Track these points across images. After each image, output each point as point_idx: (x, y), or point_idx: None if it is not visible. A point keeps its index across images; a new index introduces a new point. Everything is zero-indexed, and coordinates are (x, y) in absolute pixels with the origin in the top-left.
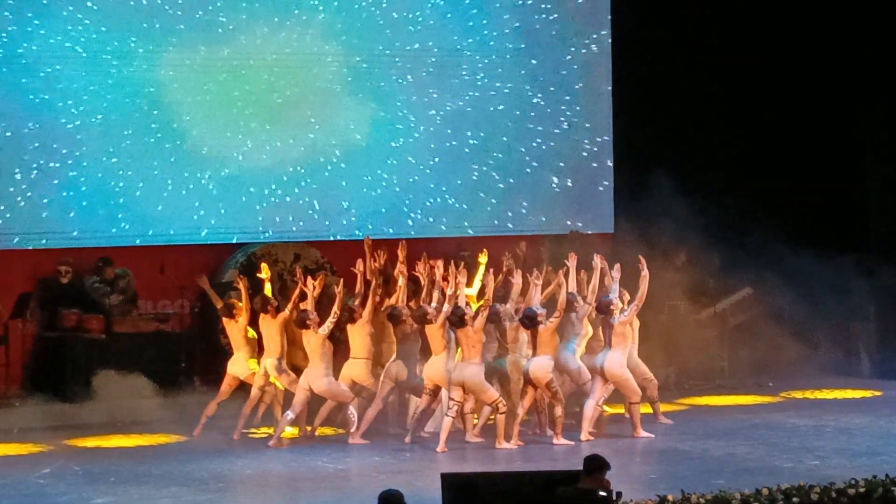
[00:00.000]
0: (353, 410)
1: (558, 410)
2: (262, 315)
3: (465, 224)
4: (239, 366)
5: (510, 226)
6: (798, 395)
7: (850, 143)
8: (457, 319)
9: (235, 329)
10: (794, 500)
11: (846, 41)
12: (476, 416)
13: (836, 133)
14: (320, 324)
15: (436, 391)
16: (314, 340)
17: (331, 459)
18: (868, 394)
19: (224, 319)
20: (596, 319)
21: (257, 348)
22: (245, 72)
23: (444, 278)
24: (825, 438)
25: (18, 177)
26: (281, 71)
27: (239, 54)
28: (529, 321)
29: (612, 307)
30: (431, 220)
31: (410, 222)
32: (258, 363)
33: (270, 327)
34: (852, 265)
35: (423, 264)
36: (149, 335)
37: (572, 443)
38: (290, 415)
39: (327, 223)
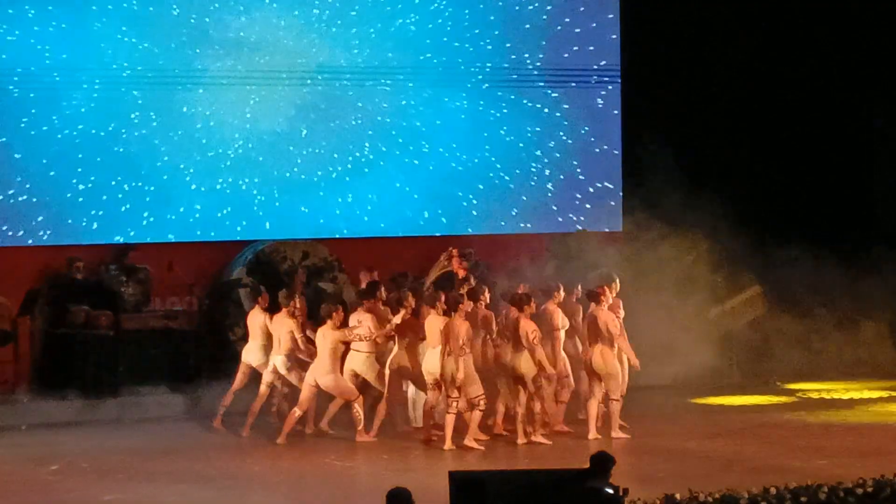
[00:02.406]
0: (358, 409)
1: (537, 407)
2: (283, 311)
3: (472, 223)
4: (253, 354)
5: (513, 225)
6: (806, 393)
7: (860, 140)
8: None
9: (260, 318)
10: (803, 499)
11: (856, 34)
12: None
13: (844, 130)
14: (341, 326)
15: (439, 384)
16: (330, 336)
17: (339, 457)
18: (877, 393)
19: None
20: (584, 314)
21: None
22: (261, 72)
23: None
24: (833, 437)
25: (30, 174)
26: (295, 72)
27: (256, 53)
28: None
29: (601, 298)
30: (439, 219)
31: (421, 221)
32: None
33: (284, 325)
34: (862, 263)
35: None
36: (157, 332)
37: (550, 442)
38: (297, 412)
39: (336, 220)
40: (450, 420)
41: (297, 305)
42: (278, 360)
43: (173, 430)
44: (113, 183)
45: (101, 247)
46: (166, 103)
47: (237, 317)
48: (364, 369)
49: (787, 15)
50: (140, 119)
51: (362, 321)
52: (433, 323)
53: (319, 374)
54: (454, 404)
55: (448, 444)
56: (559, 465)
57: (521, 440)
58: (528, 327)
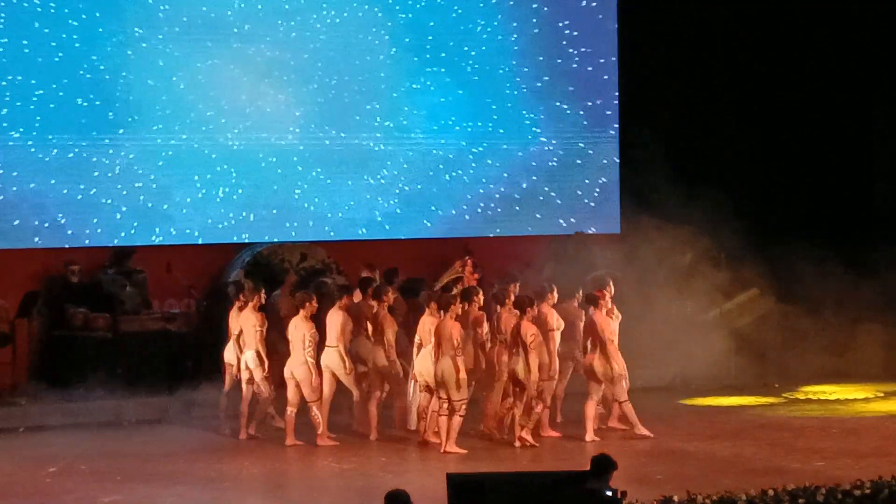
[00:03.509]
0: (317, 412)
1: (539, 408)
2: (248, 306)
3: (472, 225)
4: (232, 353)
5: (515, 226)
6: (804, 395)
7: (859, 142)
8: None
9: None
10: (801, 500)
11: (856, 34)
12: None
13: (844, 131)
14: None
15: (429, 386)
16: (301, 327)
17: (336, 459)
18: (874, 394)
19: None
20: (581, 317)
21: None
22: (257, 73)
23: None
24: (831, 439)
25: (25, 175)
26: (293, 73)
27: (256, 56)
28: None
29: (600, 302)
30: (438, 221)
31: (417, 224)
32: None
33: (249, 321)
34: (861, 264)
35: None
36: (155, 334)
37: (537, 444)
38: (289, 409)
39: (333, 223)
40: (443, 422)
41: (263, 301)
42: (248, 355)
43: (171, 432)
44: (99, 184)
45: (99, 249)
46: (162, 102)
47: None
48: (336, 364)
49: (787, 15)
50: (136, 118)
51: (331, 322)
52: (425, 323)
53: (294, 364)
54: (444, 405)
55: (445, 447)
56: (558, 467)
57: (518, 443)
58: (529, 330)
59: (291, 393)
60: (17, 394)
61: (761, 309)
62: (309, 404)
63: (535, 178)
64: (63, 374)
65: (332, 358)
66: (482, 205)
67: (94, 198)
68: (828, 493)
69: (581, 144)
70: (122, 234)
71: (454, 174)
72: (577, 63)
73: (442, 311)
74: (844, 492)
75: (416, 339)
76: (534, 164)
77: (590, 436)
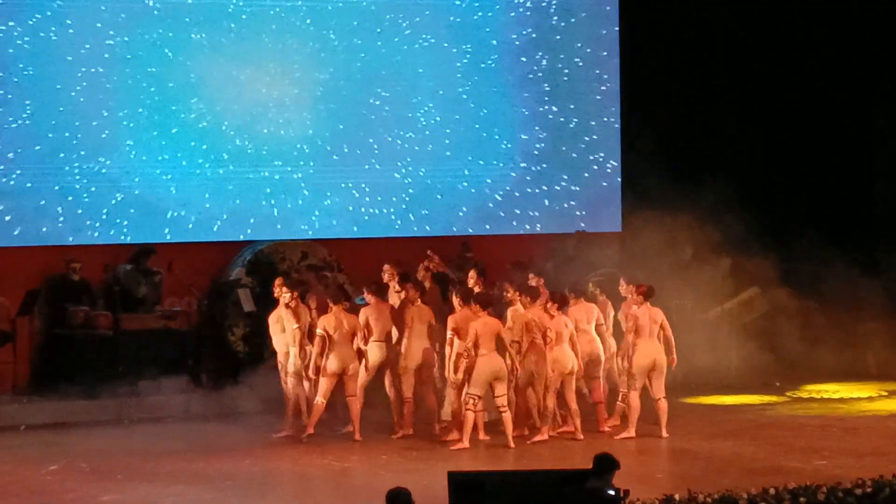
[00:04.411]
0: (358, 408)
1: (573, 404)
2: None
3: (471, 224)
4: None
5: (516, 224)
6: (805, 394)
7: (859, 142)
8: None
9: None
10: (801, 499)
11: (856, 34)
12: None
13: (844, 131)
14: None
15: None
16: (346, 320)
17: (338, 457)
18: (875, 393)
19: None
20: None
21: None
22: (259, 70)
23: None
24: (832, 438)
25: (24, 174)
26: (290, 74)
27: (254, 55)
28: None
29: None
30: (438, 219)
31: (418, 222)
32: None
33: (292, 320)
34: (861, 264)
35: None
36: (156, 332)
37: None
38: (320, 400)
39: (332, 221)
40: (469, 417)
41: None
42: (292, 352)
43: (172, 430)
44: (99, 184)
45: (99, 248)
46: (162, 100)
47: (236, 317)
48: (379, 359)
49: (787, 15)
50: (136, 117)
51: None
52: (465, 321)
53: (347, 360)
54: (471, 402)
55: (465, 442)
56: (560, 465)
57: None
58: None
59: (327, 386)
60: (17, 392)
61: (762, 307)
62: (349, 399)
63: (535, 176)
64: (64, 373)
65: (376, 352)
66: (482, 204)
67: (95, 197)
68: (829, 492)
69: (582, 143)
70: (126, 233)
71: (454, 173)
72: (577, 63)
73: (483, 310)
74: (845, 490)
75: (448, 335)
76: (534, 162)
77: (632, 431)
